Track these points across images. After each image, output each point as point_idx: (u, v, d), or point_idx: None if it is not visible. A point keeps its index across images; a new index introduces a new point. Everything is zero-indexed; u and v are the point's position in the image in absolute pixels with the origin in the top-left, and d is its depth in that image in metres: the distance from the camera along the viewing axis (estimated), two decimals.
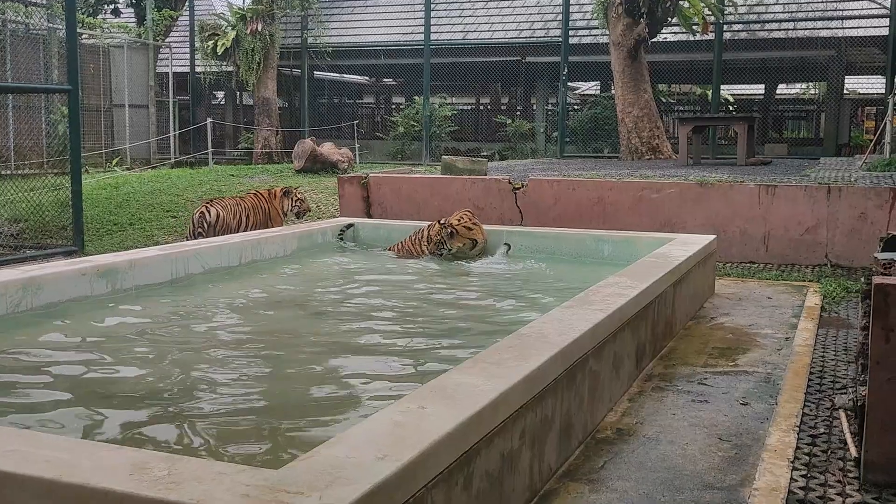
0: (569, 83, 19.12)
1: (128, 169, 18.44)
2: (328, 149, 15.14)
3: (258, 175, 14.69)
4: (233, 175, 14.47)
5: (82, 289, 4.43)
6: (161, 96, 22.30)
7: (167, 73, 22.15)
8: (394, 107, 26.61)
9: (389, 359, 3.77)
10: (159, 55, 22.09)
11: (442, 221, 6.40)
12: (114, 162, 19.49)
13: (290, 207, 8.59)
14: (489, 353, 2.80)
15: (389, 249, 6.60)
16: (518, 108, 24.91)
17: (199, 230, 7.87)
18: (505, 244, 6.46)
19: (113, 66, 20.40)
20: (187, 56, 22.97)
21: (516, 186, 8.25)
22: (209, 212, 7.85)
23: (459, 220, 6.44)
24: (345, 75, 27.69)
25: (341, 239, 6.70)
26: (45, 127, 13.81)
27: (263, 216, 8.21)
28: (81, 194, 8.73)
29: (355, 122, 21.46)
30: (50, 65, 14.49)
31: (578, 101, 25.33)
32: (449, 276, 5.93)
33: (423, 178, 9.02)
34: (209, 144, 18.86)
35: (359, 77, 28.98)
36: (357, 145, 19.61)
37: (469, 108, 27.47)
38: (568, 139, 17.80)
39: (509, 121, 20.58)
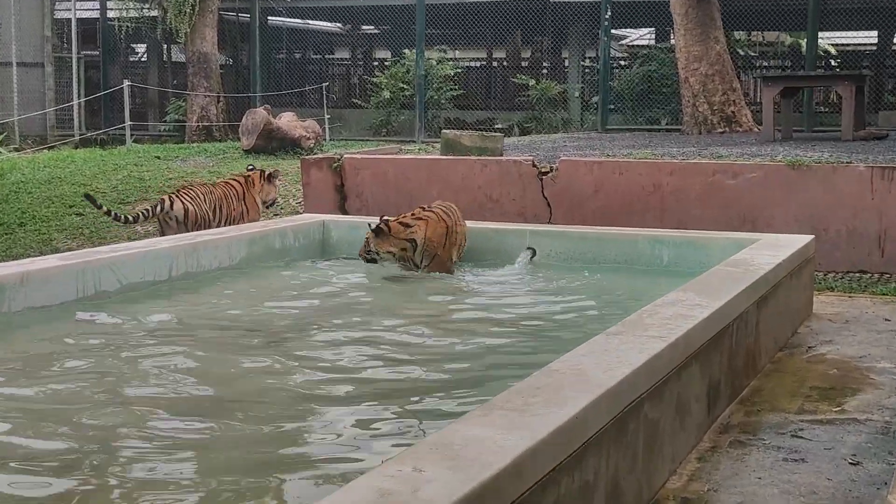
0: (613, 31, 19.14)
1: (16, 149, 18.47)
2: (288, 121, 15.17)
3: (193, 157, 14.72)
4: (158, 157, 14.50)
5: None
6: (61, 51, 22.36)
7: (69, 20, 22.22)
8: (376, 64, 26.67)
9: (373, 405, 3.78)
10: None
11: (385, 217, 6.36)
12: None
13: (275, 196, 8.78)
14: (509, 397, 2.81)
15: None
16: (544, 64, 24.95)
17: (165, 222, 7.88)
18: (528, 249, 6.47)
19: None
20: None
21: (543, 170, 8.27)
22: (173, 204, 7.88)
23: (405, 215, 6.39)
24: (309, 22, 27.74)
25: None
26: None
27: (239, 208, 8.32)
28: None
29: (324, 84, 21.47)
30: None
31: (626, 54, 25.37)
32: (450, 293, 5.94)
33: (416, 161, 9.03)
34: (126, 116, 18.89)
35: (329, 24, 29.04)
36: (327, 116, 19.62)
37: (478, 64, 27.52)
38: (612, 106, 17.78)
39: (533, 82, 20.60)
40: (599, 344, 3.43)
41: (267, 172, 8.63)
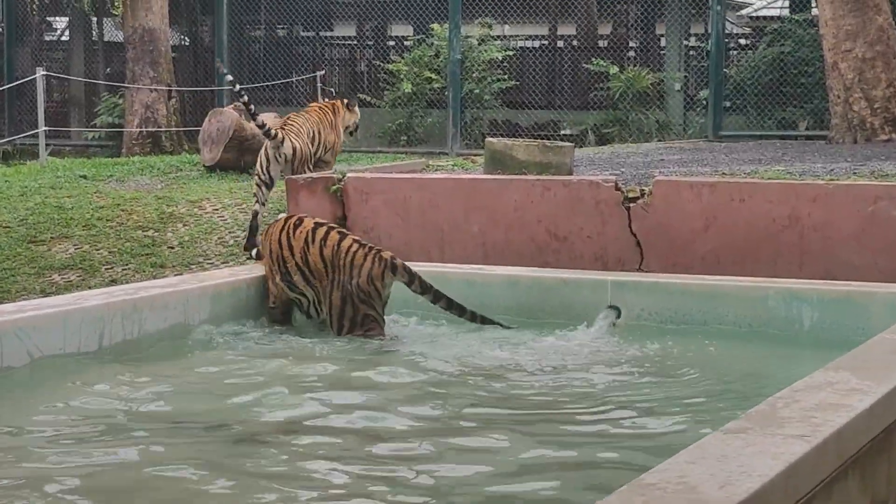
0: None
1: None
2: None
3: (134, 175, 14.82)
4: (85, 176, 14.62)
5: None
6: None
7: None
8: (393, 44, 26.85)
9: None
10: None
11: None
12: None
13: (356, 122, 11.51)
14: None
15: None
16: (631, 45, 25.04)
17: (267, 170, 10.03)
18: (609, 307, 6.48)
19: None
20: None
21: (631, 196, 8.24)
22: (283, 142, 10.05)
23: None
24: None
25: None
26: None
27: (331, 137, 10.97)
28: None
29: (319, 73, 21.61)
30: None
31: (748, 30, 25.41)
32: (492, 367, 5.92)
33: (450, 182, 9.03)
34: (40, 118, 19.01)
35: None
36: None
37: (537, 45, 27.64)
38: (728, 103, 17.77)
39: (615, 69, 20.66)
40: (714, 446, 3.41)
41: (346, 101, 11.41)
